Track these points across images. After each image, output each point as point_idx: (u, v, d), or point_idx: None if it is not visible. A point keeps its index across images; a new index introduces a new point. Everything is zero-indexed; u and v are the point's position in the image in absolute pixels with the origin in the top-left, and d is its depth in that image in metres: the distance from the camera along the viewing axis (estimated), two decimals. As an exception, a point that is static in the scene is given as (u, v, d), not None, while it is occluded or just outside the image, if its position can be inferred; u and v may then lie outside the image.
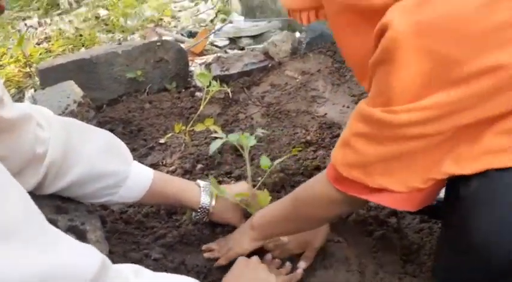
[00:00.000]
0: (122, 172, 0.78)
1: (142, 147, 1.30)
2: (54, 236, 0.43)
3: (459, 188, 0.52)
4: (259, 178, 1.01)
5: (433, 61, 0.49)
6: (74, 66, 1.52)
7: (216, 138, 1.01)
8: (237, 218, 0.90)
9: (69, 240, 0.44)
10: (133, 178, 0.79)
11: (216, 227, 0.95)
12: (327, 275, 0.82)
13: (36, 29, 3.55)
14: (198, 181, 0.90)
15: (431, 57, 0.49)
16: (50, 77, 1.50)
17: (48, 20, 3.76)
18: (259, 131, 0.93)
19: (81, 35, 3.05)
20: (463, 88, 0.48)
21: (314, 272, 0.83)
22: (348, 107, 1.49)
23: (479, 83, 0.48)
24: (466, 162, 0.51)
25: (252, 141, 0.87)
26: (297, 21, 0.75)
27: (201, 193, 0.86)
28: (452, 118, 0.50)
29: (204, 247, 0.89)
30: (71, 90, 1.39)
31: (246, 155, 0.85)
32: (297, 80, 1.71)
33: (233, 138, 0.95)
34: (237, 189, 0.88)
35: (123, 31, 2.95)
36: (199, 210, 0.87)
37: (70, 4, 4.23)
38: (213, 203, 0.86)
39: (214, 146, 0.97)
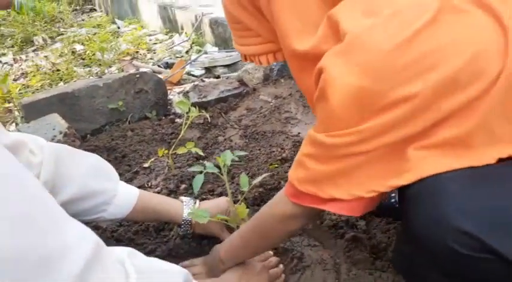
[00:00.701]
0: (110, 190, 0.85)
1: (127, 172, 1.37)
2: (59, 218, 0.46)
3: (404, 192, 0.61)
4: (239, 195, 1.09)
5: (360, 94, 0.58)
6: (56, 100, 1.59)
7: (196, 160, 1.07)
8: (219, 229, 0.97)
9: (70, 221, 0.46)
10: (120, 196, 0.86)
11: (203, 240, 1.01)
12: (305, 275, 0.90)
13: (11, 65, 3.59)
14: (181, 197, 0.97)
15: (359, 92, 0.58)
16: (34, 111, 1.56)
17: (23, 57, 3.81)
18: (237, 153, 1.00)
19: (58, 70, 3.11)
20: (386, 115, 0.57)
21: (293, 273, 0.91)
22: (319, 126, 1.61)
23: (398, 110, 0.56)
24: (403, 175, 0.59)
25: (229, 160, 0.94)
26: (255, 64, 0.84)
27: (184, 208, 0.94)
28: (380, 139, 0.58)
29: (188, 262, 0.93)
30: (56, 122, 1.46)
31: (224, 175, 0.92)
32: (271, 104, 1.82)
33: (210, 168, 0.99)
34: (217, 204, 0.96)
35: (100, 65, 3.03)
36: (183, 223, 0.94)
37: (44, 40, 4.30)
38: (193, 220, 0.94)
39: (198, 182, 0.94)
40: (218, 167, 0.94)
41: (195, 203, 0.97)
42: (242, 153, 1.08)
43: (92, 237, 0.46)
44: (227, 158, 0.94)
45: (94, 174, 0.83)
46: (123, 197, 0.87)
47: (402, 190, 0.62)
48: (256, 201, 1.15)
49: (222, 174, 0.92)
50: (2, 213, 0.39)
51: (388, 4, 0.62)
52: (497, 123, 0.57)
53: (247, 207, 0.93)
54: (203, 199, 1.11)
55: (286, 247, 0.98)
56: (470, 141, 0.57)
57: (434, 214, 0.55)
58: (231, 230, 0.96)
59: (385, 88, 0.57)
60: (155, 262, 0.55)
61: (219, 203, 0.98)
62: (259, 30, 0.79)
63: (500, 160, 0.57)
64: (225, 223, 0.95)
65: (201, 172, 0.93)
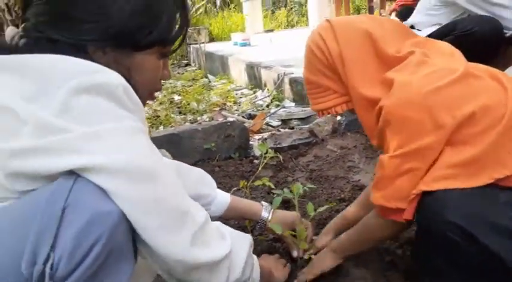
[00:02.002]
0: (211, 195, 1.16)
1: (214, 199, 1.71)
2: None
3: (423, 198, 0.85)
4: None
5: (406, 122, 0.85)
6: (165, 139, 2.03)
7: (271, 191, 1.37)
8: (285, 237, 1.23)
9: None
10: (218, 199, 1.17)
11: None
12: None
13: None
14: (262, 202, 1.27)
15: (406, 121, 0.85)
16: (146, 146, 2.01)
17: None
18: (307, 186, 1.29)
19: (158, 116, 3.68)
20: (429, 137, 0.83)
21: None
22: (377, 175, 1.84)
23: (436, 134, 0.83)
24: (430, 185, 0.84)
25: (301, 189, 1.23)
26: (331, 114, 1.08)
27: (263, 210, 1.23)
28: (419, 159, 0.84)
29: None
30: (165, 156, 1.88)
31: (296, 199, 1.21)
32: (337, 153, 2.09)
33: (287, 193, 1.27)
34: (291, 215, 1.24)
35: (193, 113, 3.55)
36: (259, 222, 1.22)
37: (146, 90, 5.07)
38: (269, 218, 1.21)
39: (277, 201, 1.24)
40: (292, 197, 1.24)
41: (271, 208, 1.25)
42: (311, 186, 1.38)
43: (203, 208, 0.78)
44: (299, 187, 1.24)
45: (201, 182, 1.16)
46: (220, 200, 1.18)
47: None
48: (316, 228, 1.42)
49: (294, 199, 1.21)
50: (171, 182, 0.71)
51: (428, 67, 0.91)
52: (501, 151, 0.83)
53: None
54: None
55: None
56: (480, 163, 0.82)
57: (435, 212, 0.81)
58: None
59: (426, 118, 0.84)
60: (232, 229, 0.87)
61: (289, 215, 1.25)
62: (335, 87, 1.02)
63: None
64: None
65: (279, 195, 1.23)
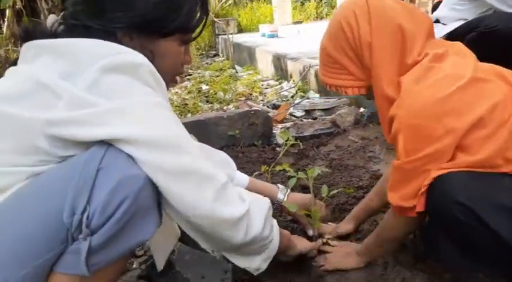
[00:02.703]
0: (231, 175, 1.24)
1: (236, 182, 1.80)
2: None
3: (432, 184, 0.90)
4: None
5: (418, 129, 0.90)
6: (192, 125, 2.13)
7: (290, 177, 1.45)
8: (299, 216, 1.31)
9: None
10: (237, 179, 1.25)
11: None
12: (360, 268, 1.20)
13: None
14: (278, 184, 1.35)
15: (417, 128, 0.90)
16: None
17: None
18: (322, 169, 1.36)
19: (186, 104, 3.80)
20: (440, 143, 0.88)
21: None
22: (396, 166, 1.88)
23: (446, 140, 0.87)
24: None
25: (316, 172, 1.30)
26: (341, 94, 1.10)
27: (278, 192, 1.31)
28: (431, 163, 0.89)
29: (317, 256, 1.22)
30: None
31: (310, 181, 1.29)
32: (358, 144, 2.14)
33: (302, 175, 1.37)
34: (303, 197, 1.31)
35: (220, 102, 3.64)
36: (275, 203, 1.29)
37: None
38: (285, 199, 1.29)
39: (292, 182, 1.33)
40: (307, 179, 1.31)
41: (287, 190, 1.33)
42: (326, 170, 1.44)
43: (225, 174, 0.86)
44: (315, 170, 1.31)
45: (221, 163, 1.25)
46: (239, 181, 1.26)
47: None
48: (333, 213, 1.49)
49: (308, 181, 1.28)
50: (193, 150, 0.79)
51: (436, 73, 0.94)
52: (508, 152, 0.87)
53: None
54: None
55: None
56: (488, 164, 0.87)
57: (443, 192, 0.87)
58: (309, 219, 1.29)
59: (435, 125, 0.89)
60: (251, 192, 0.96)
61: (304, 197, 1.33)
62: (353, 70, 1.02)
63: None
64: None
65: (294, 176, 1.31)
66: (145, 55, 0.78)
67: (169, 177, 0.74)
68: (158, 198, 0.78)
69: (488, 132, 0.87)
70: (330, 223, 1.39)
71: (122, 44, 0.78)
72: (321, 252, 1.25)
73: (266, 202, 0.97)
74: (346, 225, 1.36)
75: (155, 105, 0.76)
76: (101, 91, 0.72)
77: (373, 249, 1.17)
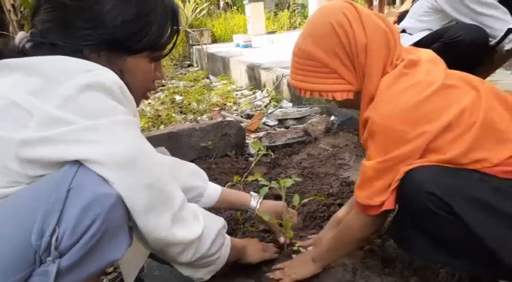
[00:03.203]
0: (203, 187, 1.25)
1: (209, 193, 1.81)
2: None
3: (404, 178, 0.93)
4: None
5: (391, 133, 0.94)
6: (165, 137, 2.13)
7: (263, 185, 1.47)
8: (272, 225, 1.31)
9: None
10: (209, 190, 1.26)
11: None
12: (330, 272, 1.21)
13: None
14: (251, 192, 1.36)
15: (391, 131, 0.94)
16: (147, 143, 2.11)
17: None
18: (294, 178, 1.39)
19: (159, 116, 3.78)
20: (410, 144, 0.92)
21: (320, 272, 1.23)
22: (366, 172, 1.93)
23: (416, 142, 0.92)
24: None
25: (289, 183, 1.32)
26: (324, 98, 1.04)
27: (251, 200, 1.32)
28: (400, 163, 0.93)
29: (273, 268, 1.24)
30: (164, 152, 1.97)
31: (283, 191, 1.31)
32: (329, 151, 2.19)
33: (274, 184, 1.39)
34: (275, 204, 1.33)
35: (194, 113, 3.64)
36: (248, 211, 1.31)
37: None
38: (257, 206, 1.30)
39: (263, 191, 1.34)
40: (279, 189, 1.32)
41: (260, 198, 1.34)
42: (298, 179, 1.47)
43: (182, 194, 0.87)
44: (288, 181, 1.33)
45: (192, 175, 1.26)
46: (211, 191, 1.27)
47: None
48: (304, 221, 1.51)
49: (280, 190, 1.31)
50: (156, 169, 0.80)
51: (408, 79, 0.97)
52: (476, 151, 0.92)
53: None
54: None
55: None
56: (457, 163, 0.92)
57: (416, 184, 0.91)
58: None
59: (408, 128, 0.93)
60: (205, 211, 0.97)
61: (277, 204, 1.35)
62: (344, 74, 1.01)
63: None
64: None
65: (266, 185, 1.32)
66: (113, 72, 0.78)
67: (133, 197, 0.75)
68: (128, 215, 0.78)
69: (455, 135, 0.92)
70: (310, 236, 1.40)
71: (89, 60, 0.78)
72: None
73: (220, 222, 1.00)
74: (328, 234, 1.34)
75: (126, 124, 0.76)
76: (74, 109, 0.72)
77: (332, 253, 1.18)
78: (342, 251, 1.18)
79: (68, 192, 0.69)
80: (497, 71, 2.38)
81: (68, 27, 0.80)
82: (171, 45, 0.92)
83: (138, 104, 0.91)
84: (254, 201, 1.32)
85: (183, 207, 0.86)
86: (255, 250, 1.22)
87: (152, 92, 1.04)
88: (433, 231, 0.91)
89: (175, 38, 0.91)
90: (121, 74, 0.82)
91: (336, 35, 0.98)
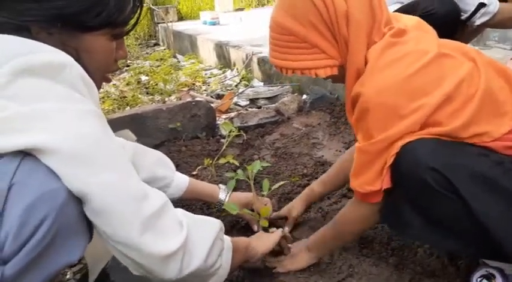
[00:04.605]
0: (170, 177, 1.17)
1: (180, 178, 1.73)
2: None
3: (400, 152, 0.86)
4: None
5: (387, 108, 0.85)
6: (129, 119, 2.01)
7: (235, 169, 1.40)
8: (241, 213, 1.24)
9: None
10: (177, 181, 1.18)
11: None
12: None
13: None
14: (220, 185, 1.30)
15: (386, 107, 0.85)
16: (110, 126, 1.99)
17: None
18: (263, 163, 1.31)
19: (125, 97, 3.61)
20: (408, 120, 0.84)
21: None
22: (340, 151, 1.89)
23: (414, 116, 0.84)
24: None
25: (256, 168, 1.25)
26: (309, 75, 0.94)
27: (220, 192, 1.26)
28: (400, 140, 0.85)
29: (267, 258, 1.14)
30: (128, 136, 1.86)
31: (251, 178, 1.23)
32: (302, 131, 2.14)
33: (240, 174, 1.29)
34: (245, 196, 1.27)
35: (161, 94, 3.50)
36: (217, 203, 1.25)
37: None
38: (226, 199, 1.25)
39: (230, 185, 1.26)
40: (248, 178, 1.24)
41: (229, 191, 1.28)
42: (267, 164, 1.41)
43: (163, 194, 0.76)
44: (255, 166, 1.26)
45: (159, 164, 1.17)
46: (179, 182, 1.20)
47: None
48: (279, 203, 1.46)
49: (249, 179, 1.24)
50: (118, 166, 0.69)
51: (399, 49, 0.89)
52: (476, 124, 0.85)
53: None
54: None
55: (296, 236, 1.27)
56: (456, 136, 0.85)
57: (414, 159, 0.83)
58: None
59: (404, 102, 0.85)
60: (198, 215, 0.85)
61: (247, 195, 1.29)
62: (325, 47, 0.91)
63: None
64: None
65: (233, 178, 1.25)
66: (68, 53, 0.67)
67: (88, 196, 0.65)
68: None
69: (455, 107, 0.85)
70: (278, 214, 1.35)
71: (38, 40, 0.67)
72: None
73: (215, 226, 0.86)
74: (297, 209, 1.32)
75: (83, 113, 0.65)
76: (12, 96, 0.61)
77: (329, 246, 1.12)
78: (340, 244, 1.13)
79: (10, 189, 0.58)
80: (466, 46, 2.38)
81: (11, 0, 0.68)
82: (134, 20, 0.80)
83: (99, 87, 0.80)
84: (223, 194, 1.26)
85: (161, 212, 0.73)
86: (262, 242, 1.08)
87: (115, 73, 0.91)
88: (429, 209, 0.85)
89: (138, 12, 0.80)
90: (77, 55, 0.71)
91: (313, 4, 0.89)
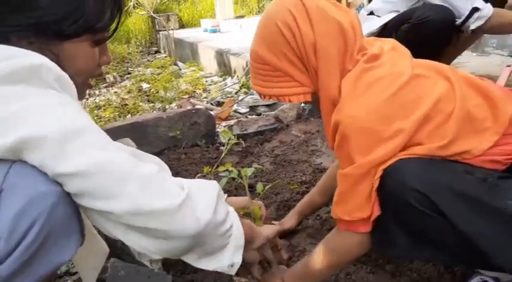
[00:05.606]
0: None
1: (179, 185, 1.74)
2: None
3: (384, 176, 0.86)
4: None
5: (368, 133, 0.86)
6: (129, 127, 2.03)
7: (223, 176, 1.41)
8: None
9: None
10: None
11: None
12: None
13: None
14: None
15: (367, 131, 0.85)
16: (111, 135, 1.99)
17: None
18: (255, 166, 1.33)
19: (126, 104, 3.64)
20: (388, 144, 0.84)
21: (296, 262, 1.20)
22: (338, 158, 1.91)
23: (394, 141, 0.84)
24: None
25: (250, 172, 1.27)
26: (284, 102, 0.97)
27: None
28: (382, 163, 0.85)
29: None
30: (128, 144, 1.88)
31: (245, 181, 1.25)
32: (301, 138, 2.15)
33: (234, 174, 1.32)
34: (242, 200, 1.28)
35: (162, 101, 3.52)
36: None
37: (115, 78, 4.97)
38: None
39: (223, 182, 1.31)
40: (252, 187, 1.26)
41: (224, 195, 1.29)
42: (260, 166, 1.42)
43: (156, 167, 0.73)
44: (249, 169, 1.28)
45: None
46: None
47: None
48: (278, 212, 1.47)
49: (243, 180, 1.25)
50: (103, 144, 0.67)
51: (374, 73, 0.90)
52: (457, 142, 0.86)
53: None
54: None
55: (294, 244, 1.28)
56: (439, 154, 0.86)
57: (398, 180, 0.83)
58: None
59: (383, 126, 0.86)
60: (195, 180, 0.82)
61: (242, 199, 1.29)
62: (298, 77, 0.94)
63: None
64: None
65: (226, 176, 1.27)
66: (50, 59, 0.68)
67: (84, 177, 0.64)
68: (78, 213, 0.70)
69: (433, 126, 0.86)
70: (273, 222, 1.38)
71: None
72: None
73: (214, 185, 0.83)
74: (290, 221, 1.34)
75: (60, 104, 0.66)
76: None
77: (308, 279, 1.04)
78: (320, 277, 1.04)
79: (0, 194, 0.60)
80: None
81: None
82: (114, 25, 0.80)
83: (82, 93, 0.81)
84: None
85: (158, 176, 0.71)
86: (266, 227, 1.04)
87: (117, 81, 0.92)
88: (416, 228, 0.85)
89: (118, 16, 0.80)
90: (57, 61, 0.71)
91: (282, 35, 0.91)
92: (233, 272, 0.85)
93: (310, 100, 0.98)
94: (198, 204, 0.75)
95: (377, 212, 0.88)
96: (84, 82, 0.82)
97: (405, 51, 0.99)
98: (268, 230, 1.05)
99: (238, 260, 0.85)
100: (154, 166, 0.73)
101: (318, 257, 1.01)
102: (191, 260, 0.81)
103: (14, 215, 0.60)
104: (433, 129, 0.86)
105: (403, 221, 0.87)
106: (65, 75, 0.69)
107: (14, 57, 0.65)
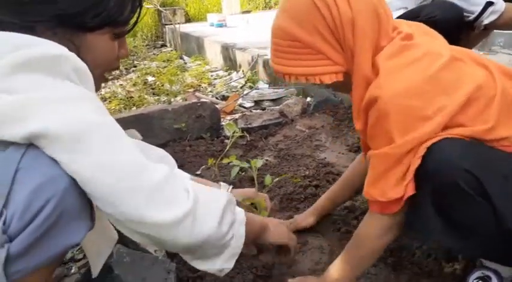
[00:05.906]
0: None
1: (183, 177, 1.75)
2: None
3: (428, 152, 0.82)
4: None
5: (408, 111, 0.81)
6: (134, 119, 2.04)
7: (234, 165, 1.43)
8: (242, 205, 1.23)
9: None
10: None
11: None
12: (307, 254, 1.20)
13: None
14: (220, 182, 1.32)
15: (408, 109, 0.81)
16: (117, 126, 2.03)
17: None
18: (265, 158, 1.35)
19: (131, 97, 3.65)
20: (431, 121, 0.81)
21: (299, 253, 1.21)
22: (342, 153, 1.91)
23: (437, 118, 0.81)
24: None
25: (259, 163, 1.29)
26: (314, 82, 0.92)
27: (221, 189, 1.28)
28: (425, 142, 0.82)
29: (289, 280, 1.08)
30: (134, 135, 1.89)
31: (254, 172, 1.27)
32: (305, 133, 2.16)
33: (244, 163, 1.35)
34: (248, 190, 1.30)
35: (167, 94, 3.53)
36: None
37: (121, 71, 4.99)
38: None
39: (234, 171, 1.37)
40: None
41: (229, 186, 1.31)
42: (270, 159, 1.43)
43: (166, 167, 0.75)
44: (258, 161, 1.30)
45: (161, 161, 1.20)
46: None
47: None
48: (281, 204, 1.48)
49: (252, 170, 1.27)
50: (111, 144, 0.68)
51: (413, 52, 0.86)
52: (499, 127, 0.84)
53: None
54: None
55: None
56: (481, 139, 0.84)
57: (445, 160, 0.79)
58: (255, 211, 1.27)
59: (426, 104, 0.82)
60: (206, 187, 0.85)
61: (248, 191, 1.31)
62: (331, 54, 0.90)
63: None
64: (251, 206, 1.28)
65: (237, 165, 1.28)
66: (71, 50, 0.70)
67: (93, 178, 0.66)
68: (88, 199, 0.71)
69: (477, 109, 0.84)
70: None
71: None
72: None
73: (223, 196, 0.85)
74: (307, 219, 1.31)
75: (75, 98, 0.67)
76: (7, 89, 0.63)
77: (354, 272, 1.01)
78: (356, 270, 1.01)
79: (16, 173, 0.62)
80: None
81: (16, 2, 0.72)
82: (134, 19, 0.83)
83: (98, 85, 0.82)
84: (224, 189, 1.28)
85: (162, 184, 0.72)
86: (278, 231, 1.04)
87: (122, 73, 0.93)
88: (453, 211, 0.82)
89: (138, 11, 0.83)
90: (78, 52, 0.73)
91: (318, 10, 0.87)
92: (222, 275, 0.88)
93: (341, 80, 0.92)
94: (202, 216, 0.77)
95: (410, 191, 0.84)
96: (101, 75, 0.84)
97: (438, 35, 0.98)
98: (276, 237, 1.03)
99: (229, 266, 0.87)
100: (163, 169, 0.74)
101: (352, 253, 1.00)
102: (186, 257, 0.85)
103: (28, 193, 0.61)
104: (476, 112, 0.84)
105: (443, 203, 0.82)
106: (84, 66, 0.71)
107: (34, 46, 0.66)
